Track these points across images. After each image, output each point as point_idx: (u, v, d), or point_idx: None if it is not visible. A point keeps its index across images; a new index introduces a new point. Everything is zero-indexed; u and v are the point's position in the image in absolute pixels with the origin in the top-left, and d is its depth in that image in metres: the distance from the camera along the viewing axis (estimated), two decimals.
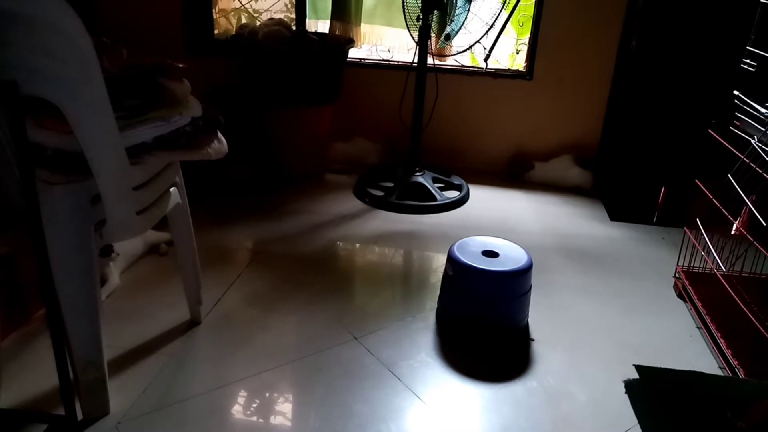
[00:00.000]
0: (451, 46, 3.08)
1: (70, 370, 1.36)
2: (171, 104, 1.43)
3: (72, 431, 1.39)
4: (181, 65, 1.49)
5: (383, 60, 3.34)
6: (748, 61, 1.91)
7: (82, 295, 1.36)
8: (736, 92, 1.94)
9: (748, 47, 1.93)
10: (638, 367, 1.07)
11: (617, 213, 2.83)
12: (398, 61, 3.31)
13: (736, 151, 1.84)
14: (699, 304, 1.95)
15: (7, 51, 1.13)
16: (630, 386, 1.04)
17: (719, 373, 1.74)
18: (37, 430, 1.40)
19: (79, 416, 1.42)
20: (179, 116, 1.44)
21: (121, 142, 1.28)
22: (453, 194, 2.95)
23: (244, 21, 3.53)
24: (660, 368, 1.16)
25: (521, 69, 3.27)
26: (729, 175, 1.84)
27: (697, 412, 0.99)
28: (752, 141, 1.78)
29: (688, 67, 2.56)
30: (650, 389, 1.04)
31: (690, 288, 2.05)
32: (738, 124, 1.91)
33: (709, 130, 2.01)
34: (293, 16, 3.29)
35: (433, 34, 2.84)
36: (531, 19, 3.16)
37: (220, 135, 1.62)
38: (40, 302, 1.79)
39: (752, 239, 1.71)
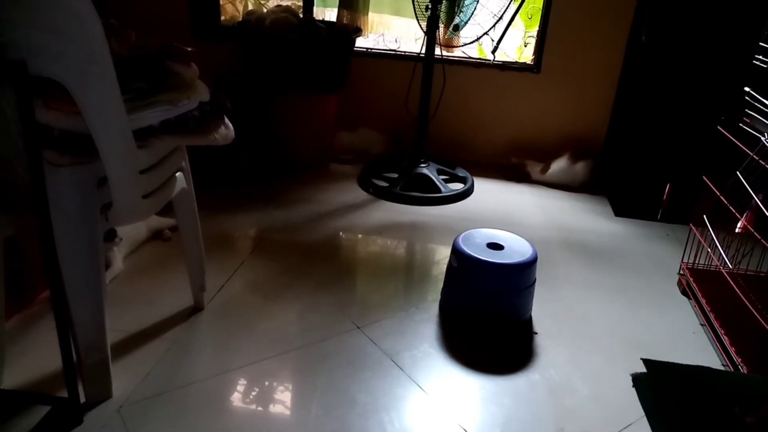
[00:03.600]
0: (459, 37, 3.06)
1: (73, 352, 1.36)
2: (179, 88, 1.42)
3: (75, 414, 1.40)
4: (189, 49, 1.48)
5: (390, 50, 3.32)
6: (760, 57, 1.90)
7: (87, 278, 1.36)
8: (747, 88, 1.93)
9: (761, 43, 1.91)
10: (645, 361, 1.07)
11: (622, 208, 2.82)
12: (405, 51, 3.29)
13: (746, 148, 1.83)
14: (703, 301, 1.94)
15: (16, 30, 1.12)
16: (637, 380, 1.03)
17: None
18: (40, 412, 1.40)
19: (82, 399, 1.42)
20: (187, 100, 1.44)
21: (129, 125, 1.28)
22: (457, 186, 2.94)
23: (251, 7, 3.50)
24: (667, 362, 1.15)
25: (529, 62, 3.25)
26: (738, 172, 1.83)
27: (704, 407, 0.99)
28: (762, 138, 1.76)
29: (699, 62, 2.53)
30: (657, 383, 1.03)
31: (694, 285, 2.04)
32: (748, 120, 1.90)
33: (718, 127, 1.99)
34: (300, 3, 3.27)
35: (441, 25, 2.82)
36: (540, 12, 3.13)
37: (227, 120, 1.61)
38: (44, 284, 1.79)
39: (759, 237, 1.70)
